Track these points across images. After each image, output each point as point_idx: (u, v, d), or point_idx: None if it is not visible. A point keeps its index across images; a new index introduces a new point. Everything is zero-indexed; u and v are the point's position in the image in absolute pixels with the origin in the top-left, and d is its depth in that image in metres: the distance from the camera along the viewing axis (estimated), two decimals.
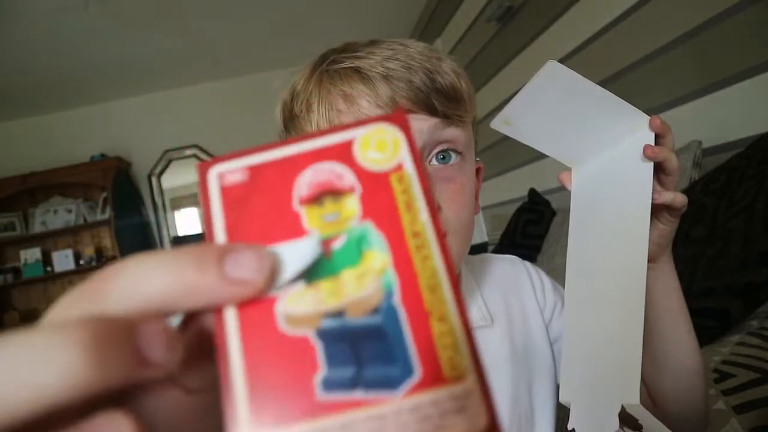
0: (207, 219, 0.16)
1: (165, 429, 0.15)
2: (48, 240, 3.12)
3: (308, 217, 0.16)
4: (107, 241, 3.21)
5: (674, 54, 1.16)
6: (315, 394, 0.14)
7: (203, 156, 3.38)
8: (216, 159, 0.17)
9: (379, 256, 0.15)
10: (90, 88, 3.07)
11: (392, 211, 0.16)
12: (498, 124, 0.46)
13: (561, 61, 1.72)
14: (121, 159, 3.22)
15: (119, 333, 0.12)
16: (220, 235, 0.16)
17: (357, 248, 0.15)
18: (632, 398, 0.40)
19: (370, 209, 0.16)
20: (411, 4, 2.78)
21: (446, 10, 2.64)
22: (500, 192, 2.20)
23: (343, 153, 0.16)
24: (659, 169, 0.43)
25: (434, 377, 0.14)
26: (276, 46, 2.94)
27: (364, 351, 0.14)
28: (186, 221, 3.54)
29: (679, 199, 0.44)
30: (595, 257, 0.47)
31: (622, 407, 0.41)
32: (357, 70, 0.44)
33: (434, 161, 0.45)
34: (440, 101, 0.43)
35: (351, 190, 0.16)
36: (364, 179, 0.16)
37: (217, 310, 0.14)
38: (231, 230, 0.16)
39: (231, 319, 0.14)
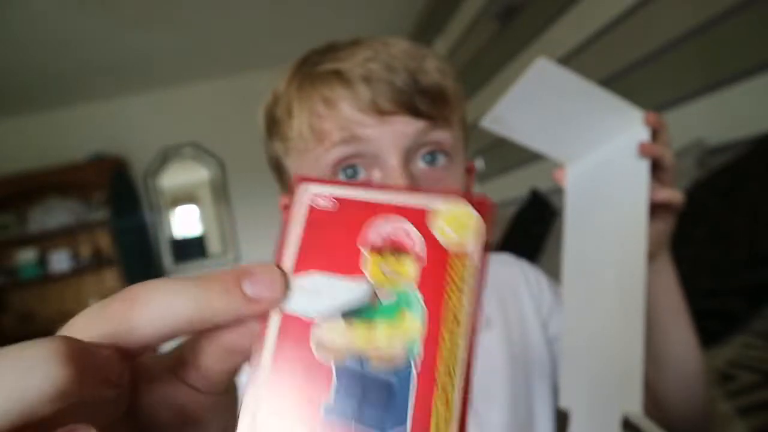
0: (284, 230, 0.18)
1: (175, 420, 0.17)
2: (44, 240, 3.10)
3: (371, 262, 0.17)
4: (105, 241, 3.19)
5: (678, 52, 1.15)
6: (319, 414, 0.16)
7: (201, 153, 3.36)
8: (314, 179, 0.18)
9: (414, 326, 0.17)
10: (86, 87, 3.06)
11: (444, 292, 0.17)
12: (488, 122, 0.45)
13: (563, 59, 1.70)
14: (118, 158, 3.20)
15: (86, 354, 0.14)
16: (291, 247, 0.18)
17: (398, 306, 0.17)
18: (634, 405, 0.40)
19: (426, 282, 0.17)
20: (411, 2, 2.78)
21: (446, 9, 2.63)
22: (500, 192, 2.20)
23: (422, 219, 0.18)
24: (656, 166, 0.43)
25: None
26: (274, 43, 2.93)
27: (370, 395, 0.16)
28: (183, 219, 3.52)
29: (677, 196, 0.43)
30: (592, 257, 0.47)
31: (625, 415, 0.40)
32: (337, 73, 0.43)
33: (421, 163, 0.44)
34: (424, 102, 0.42)
35: (417, 257, 0.17)
36: (432, 252, 0.17)
37: (262, 318, 0.16)
38: (303, 248, 0.18)
39: (273, 327, 0.17)
